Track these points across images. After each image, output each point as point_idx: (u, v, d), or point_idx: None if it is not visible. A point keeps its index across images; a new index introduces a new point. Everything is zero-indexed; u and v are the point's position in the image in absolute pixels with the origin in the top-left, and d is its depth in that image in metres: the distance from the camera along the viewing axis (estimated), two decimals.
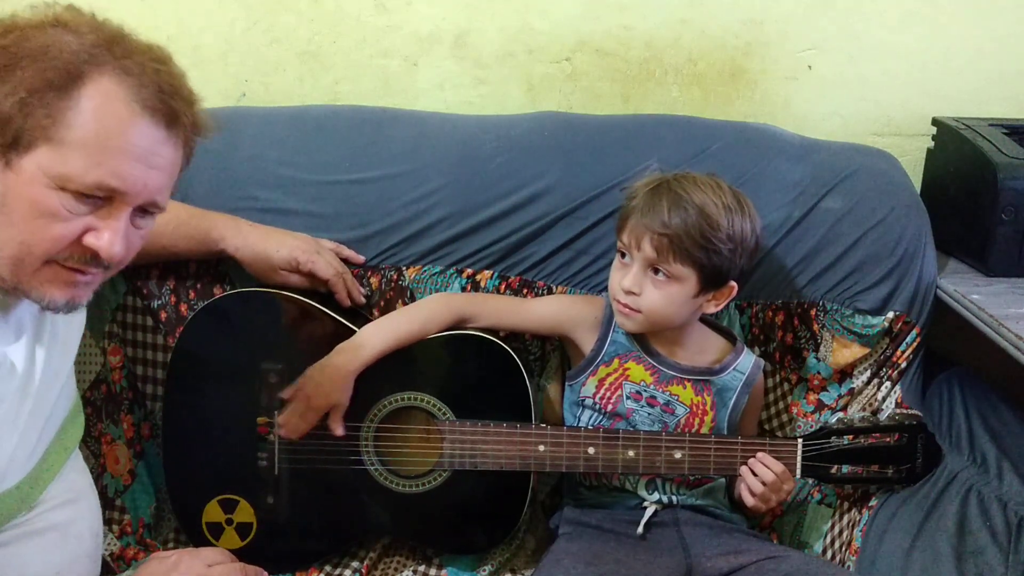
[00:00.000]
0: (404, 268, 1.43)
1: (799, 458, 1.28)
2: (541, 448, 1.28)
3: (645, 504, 1.32)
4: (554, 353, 1.45)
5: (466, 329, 1.33)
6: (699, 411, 1.32)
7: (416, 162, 1.44)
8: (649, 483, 1.33)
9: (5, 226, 0.86)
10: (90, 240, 0.88)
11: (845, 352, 1.43)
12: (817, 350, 1.44)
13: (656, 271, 1.24)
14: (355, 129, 1.47)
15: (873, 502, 1.33)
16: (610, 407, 1.31)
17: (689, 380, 1.32)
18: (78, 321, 1.09)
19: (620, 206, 1.31)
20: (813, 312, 1.44)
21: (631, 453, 1.27)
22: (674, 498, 1.33)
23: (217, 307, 1.33)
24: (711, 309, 1.30)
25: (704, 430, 1.32)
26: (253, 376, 1.31)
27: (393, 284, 1.42)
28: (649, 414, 1.31)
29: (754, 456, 1.27)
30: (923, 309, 1.43)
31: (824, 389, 1.45)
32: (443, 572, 1.36)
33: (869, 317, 1.42)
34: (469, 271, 1.43)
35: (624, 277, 1.26)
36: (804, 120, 1.66)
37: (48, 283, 0.89)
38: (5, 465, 0.94)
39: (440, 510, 1.33)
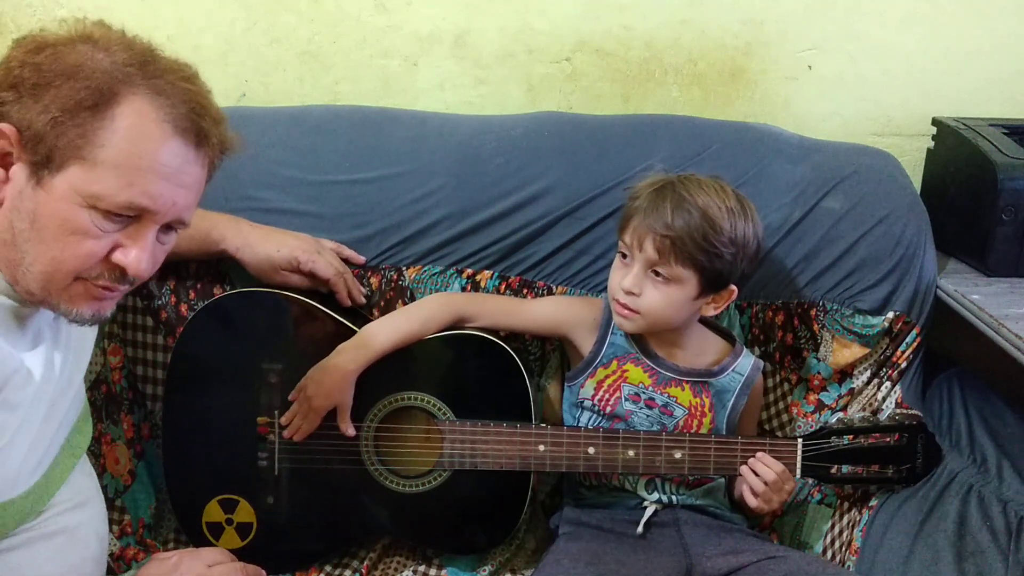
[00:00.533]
0: (404, 268, 1.43)
1: (799, 458, 1.28)
2: (541, 448, 1.28)
3: (645, 504, 1.32)
4: (554, 353, 1.46)
5: (466, 329, 1.33)
6: (698, 413, 1.32)
7: (416, 162, 1.44)
8: (649, 483, 1.33)
9: (36, 243, 0.87)
10: (118, 257, 0.90)
11: (845, 352, 1.43)
12: (817, 350, 1.44)
13: (657, 273, 1.24)
14: (355, 129, 1.47)
15: (873, 502, 1.33)
16: (609, 409, 1.31)
17: (687, 382, 1.32)
18: (91, 329, 1.10)
19: (622, 206, 1.31)
20: (813, 312, 1.44)
21: (631, 453, 1.27)
22: (674, 498, 1.33)
23: (217, 307, 1.33)
24: (710, 312, 1.30)
25: (703, 432, 1.32)
26: (253, 376, 1.31)
27: (393, 284, 1.42)
28: (648, 416, 1.31)
29: (754, 456, 1.27)
30: (923, 309, 1.43)
31: (824, 389, 1.45)
32: (443, 572, 1.36)
33: (869, 317, 1.42)
34: (469, 271, 1.43)
35: (624, 277, 1.25)
36: (804, 120, 1.66)
37: (77, 299, 0.91)
38: (17, 471, 0.95)
39: (440, 510, 1.33)
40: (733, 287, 1.28)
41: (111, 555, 1.29)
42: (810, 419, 1.44)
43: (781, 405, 1.47)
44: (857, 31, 1.64)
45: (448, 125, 1.49)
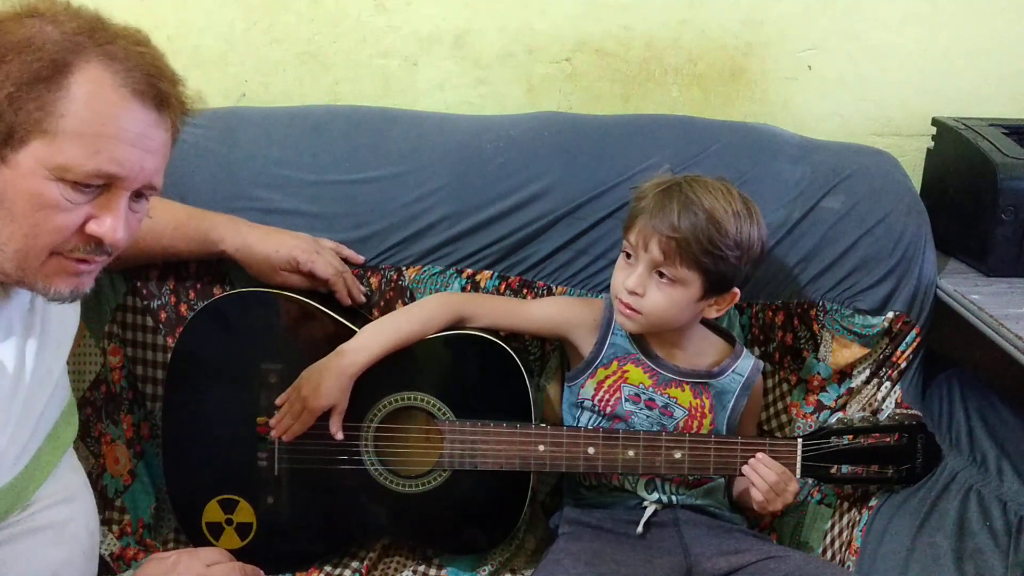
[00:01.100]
0: (404, 268, 1.43)
1: (799, 458, 1.28)
2: (541, 448, 1.28)
3: (645, 504, 1.32)
4: (554, 353, 1.45)
5: (466, 329, 1.33)
6: (698, 414, 1.32)
7: (416, 162, 1.44)
8: (649, 483, 1.33)
9: (7, 222, 0.86)
10: (93, 228, 0.89)
11: (845, 352, 1.43)
12: (817, 350, 1.44)
13: (661, 274, 1.24)
14: (355, 129, 1.47)
15: (873, 502, 1.33)
16: (609, 409, 1.31)
17: (688, 383, 1.32)
18: (71, 320, 1.09)
19: (622, 205, 1.31)
20: (813, 312, 1.44)
21: (631, 453, 1.27)
22: (674, 498, 1.33)
23: (217, 307, 1.33)
24: (712, 314, 1.30)
25: (703, 432, 1.32)
26: (253, 376, 1.31)
27: (393, 284, 1.42)
28: (648, 416, 1.31)
29: (754, 456, 1.27)
30: (923, 309, 1.43)
31: (824, 389, 1.45)
32: (443, 572, 1.36)
33: (869, 317, 1.42)
34: (469, 271, 1.43)
35: (628, 277, 1.25)
36: (804, 120, 1.66)
37: (53, 275, 0.90)
38: None
39: (440, 510, 1.33)
40: (736, 290, 1.28)
41: (111, 555, 1.29)
42: (810, 419, 1.44)
43: (780, 405, 1.47)
44: (857, 31, 1.64)
45: (448, 125, 1.49)
